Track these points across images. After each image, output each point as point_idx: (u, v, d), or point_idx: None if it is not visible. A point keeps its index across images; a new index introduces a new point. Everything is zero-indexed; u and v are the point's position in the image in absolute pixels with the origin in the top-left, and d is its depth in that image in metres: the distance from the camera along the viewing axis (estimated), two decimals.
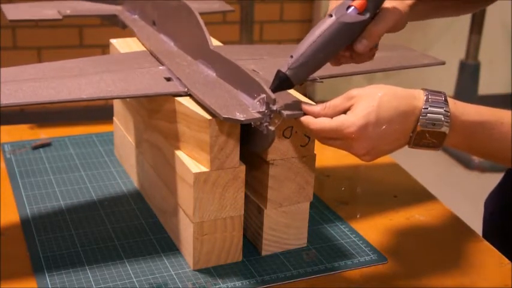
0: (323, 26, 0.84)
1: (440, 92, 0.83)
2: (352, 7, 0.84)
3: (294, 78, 0.85)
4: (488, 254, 0.99)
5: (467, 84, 3.23)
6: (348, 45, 0.87)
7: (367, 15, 0.85)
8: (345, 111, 0.83)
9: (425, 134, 0.82)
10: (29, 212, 1.05)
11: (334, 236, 1.01)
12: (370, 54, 0.90)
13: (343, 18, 0.84)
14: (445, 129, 0.81)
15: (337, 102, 0.84)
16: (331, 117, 0.83)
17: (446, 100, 0.82)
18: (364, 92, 0.83)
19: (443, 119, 0.81)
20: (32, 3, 1.39)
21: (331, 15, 0.84)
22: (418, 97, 0.83)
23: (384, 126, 0.81)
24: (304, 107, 0.85)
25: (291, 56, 0.85)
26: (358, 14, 0.84)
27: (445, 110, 0.81)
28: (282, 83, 0.85)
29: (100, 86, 0.93)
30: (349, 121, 0.81)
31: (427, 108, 0.81)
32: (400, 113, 0.81)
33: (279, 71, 0.85)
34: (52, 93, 0.89)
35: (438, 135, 0.82)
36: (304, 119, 0.84)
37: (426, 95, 0.82)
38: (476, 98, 3.16)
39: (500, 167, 3.22)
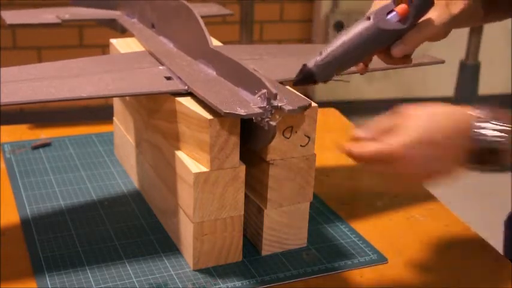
0: (359, 28, 0.81)
1: (494, 107, 0.78)
2: (394, 13, 0.81)
3: (318, 75, 0.82)
4: (488, 254, 0.99)
5: (467, 84, 3.22)
6: (383, 48, 0.84)
7: (407, 24, 0.82)
8: (391, 131, 0.78)
9: (483, 153, 0.77)
10: (29, 212, 1.05)
11: (334, 236, 1.01)
12: (406, 60, 0.87)
13: (381, 24, 0.81)
14: (504, 145, 0.76)
15: (383, 122, 0.80)
16: (377, 139, 0.78)
17: (503, 116, 0.77)
18: (412, 111, 0.79)
19: (499, 134, 0.76)
20: (31, 10, 1.39)
21: (369, 18, 0.81)
22: (470, 115, 0.78)
23: (434, 147, 0.76)
24: (355, 134, 0.80)
25: (320, 53, 0.82)
26: (398, 21, 0.81)
27: (501, 126, 0.76)
28: (306, 78, 0.83)
29: (100, 85, 0.93)
30: (397, 142, 0.76)
31: (480, 126, 0.77)
32: (451, 132, 0.77)
33: (304, 66, 0.82)
34: (52, 92, 0.89)
35: (499, 153, 0.76)
36: (350, 146, 0.79)
37: (479, 111, 0.78)
38: (476, 98, 3.15)
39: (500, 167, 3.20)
